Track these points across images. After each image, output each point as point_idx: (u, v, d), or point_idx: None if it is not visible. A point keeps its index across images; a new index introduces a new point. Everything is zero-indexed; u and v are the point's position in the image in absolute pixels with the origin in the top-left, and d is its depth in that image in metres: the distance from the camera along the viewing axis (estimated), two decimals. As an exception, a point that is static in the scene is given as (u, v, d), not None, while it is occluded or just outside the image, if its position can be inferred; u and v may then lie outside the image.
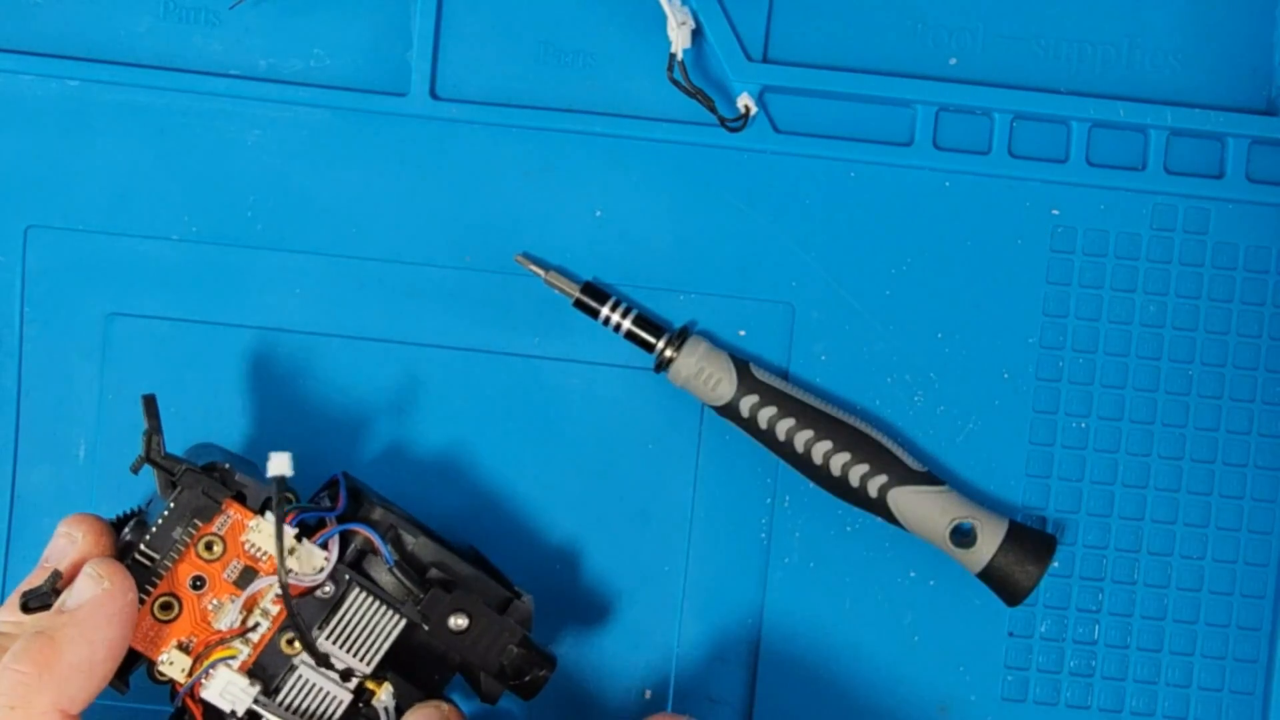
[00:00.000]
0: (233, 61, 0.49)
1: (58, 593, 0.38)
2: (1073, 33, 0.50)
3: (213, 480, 0.40)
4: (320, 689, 0.41)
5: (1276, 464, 0.50)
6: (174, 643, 0.40)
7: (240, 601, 0.40)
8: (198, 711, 0.40)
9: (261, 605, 0.41)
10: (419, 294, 0.49)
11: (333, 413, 0.49)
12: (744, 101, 0.48)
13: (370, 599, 0.41)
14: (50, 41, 0.49)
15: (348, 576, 0.41)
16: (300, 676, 0.41)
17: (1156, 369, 0.50)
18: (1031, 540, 0.47)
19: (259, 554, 0.41)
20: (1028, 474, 0.50)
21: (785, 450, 0.48)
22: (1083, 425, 0.50)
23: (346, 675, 0.41)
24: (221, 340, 0.49)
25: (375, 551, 0.41)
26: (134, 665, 0.40)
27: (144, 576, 0.40)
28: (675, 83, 0.47)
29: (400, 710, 0.41)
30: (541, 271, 0.48)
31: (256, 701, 0.40)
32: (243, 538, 0.40)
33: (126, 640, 0.38)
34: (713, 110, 0.47)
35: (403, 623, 0.41)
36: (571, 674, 0.49)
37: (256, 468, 0.43)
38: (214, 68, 0.49)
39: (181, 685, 0.40)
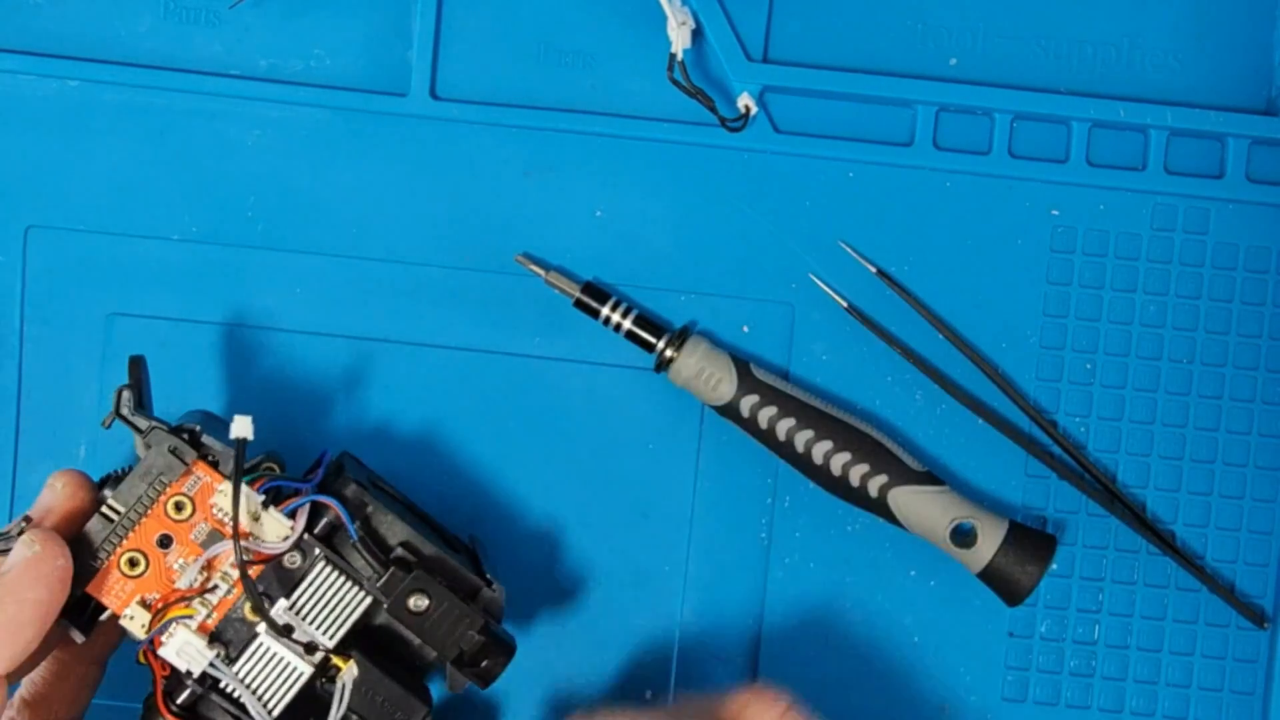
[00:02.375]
0: (233, 61, 0.49)
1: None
2: (1073, 33, 0.50)
3: (181, 440, 0.40)
4: (280, 659, 0.41)
5: (1276, 464, 0.50)
6: (138, 598, 0.40)
7: (200, 561, 0.40)
8: (157, 668, 0.41)
9: (223, 569, 0.41)
10: (419, 294, 0.49)
11: (333, 412, 0.49)
12: (744, 101, 0.48)
13: (334, 572, 0.41)
14: (51, 41, 0.49)
15: (317, 550, 0.41)
16: (261, 645, 0.41)
17: (1157, 369, 0.50)
18: (1032, 540, 0.47)
19: (225, 518, 0.41)
20: (1028, 474, 0.50)
21: (786, 450, 0.48)
22: (1083, 425, 0.50)
23: (310, 649, 0.41)
24: (222, 340, 0.49)
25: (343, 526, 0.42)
26: (99, 614, 0.41)
27: (110, 530, 0.40)
28: (675, 83, 0.47)
29: (361, 690, 0.41)
30: (542, 271, 0.48)
31: (213, 665, 0.40)
32: (210, 500, 0.41)
33: (56, 603, 0.38)
34: (713, 110, 0.47)
35: (366, 599, 0.41)
36: (572, 674, 0.49)
37: (228, 424, 0.43)
38: (214, 68, 0.49)
39: (141, 640, 0.40)
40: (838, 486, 0.48)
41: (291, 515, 0.41)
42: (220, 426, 0.43)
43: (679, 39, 0.47)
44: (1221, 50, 0.50)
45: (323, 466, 0.42)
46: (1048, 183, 0.49)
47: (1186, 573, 0.49)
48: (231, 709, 0.41)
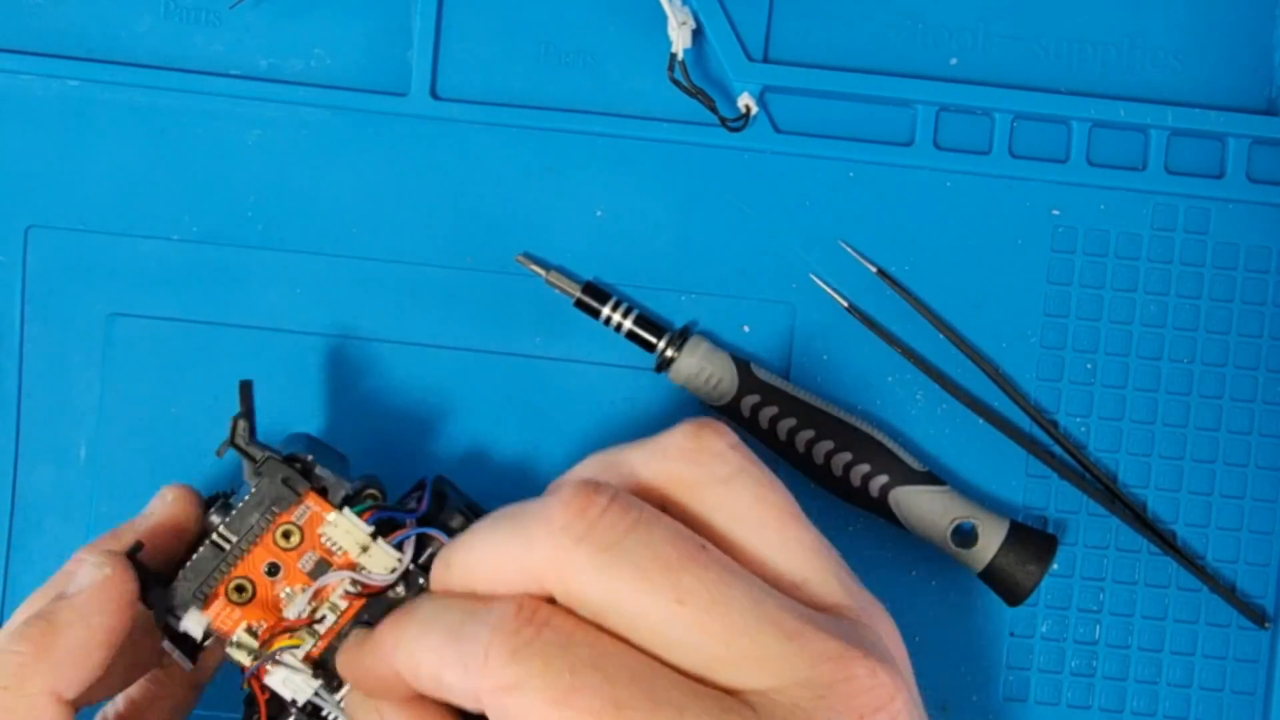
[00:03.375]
0: (233, 61, 0.49)
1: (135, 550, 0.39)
2: (1073, 33, 0.50)
3: (294, 470, 0.40)
4: None
5: (1277, 464, 0.50)
6: (244, 626, 0.40)
7: (310, 592, 0.40)
8: (261, 698, 0.40)
9: (331, 600, 0.41)
10: (419, 294, 0.49)
11: (333, 413, 0.49)
12: (744, 101, 0.48)
13: None
14: (51, 41, 0.49)
15: (421, 580, 0.41)
16: None
17: (1157, 369, 0.50)
18: (1033, 540, 0.47)
19: (334, 548, 0.41)
20: (1028, 474, 0.50)
21: (786, 450, 0.48)
22: (1083, 425, 0.50)
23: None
24: (222, 340, 0.49)
25: None
26: (205, 641, 0.40)
27: (220, 559, 0.40)
28: (676, 83, 0.47)
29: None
30: (542, 271, 0.48)
31: (318, 694, 0.40)
32: (319, 530, 0.41)
33: (124, 629, 0.38)
34: (713, 110, 0.47)
35: None
36: (572, 674, 0.49)
37: (345, 461, 0.43)
38: (214, 68, 0.49)
39: (247, 668, 0.40)
40: (838, 487, 0.48)
41: (399, 546, 0.41)
42: (328, 453, 0.43)
43: (679, 39, 0.47)
44: (1222, 50, 0.50)
45: (426, 494, 0.42)
46: (1048, 182, 0.49)
47: (1187, 573, 0.49)
48: None
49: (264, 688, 0.40)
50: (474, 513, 0.42)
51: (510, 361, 0.49)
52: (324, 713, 0.40)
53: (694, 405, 0.49)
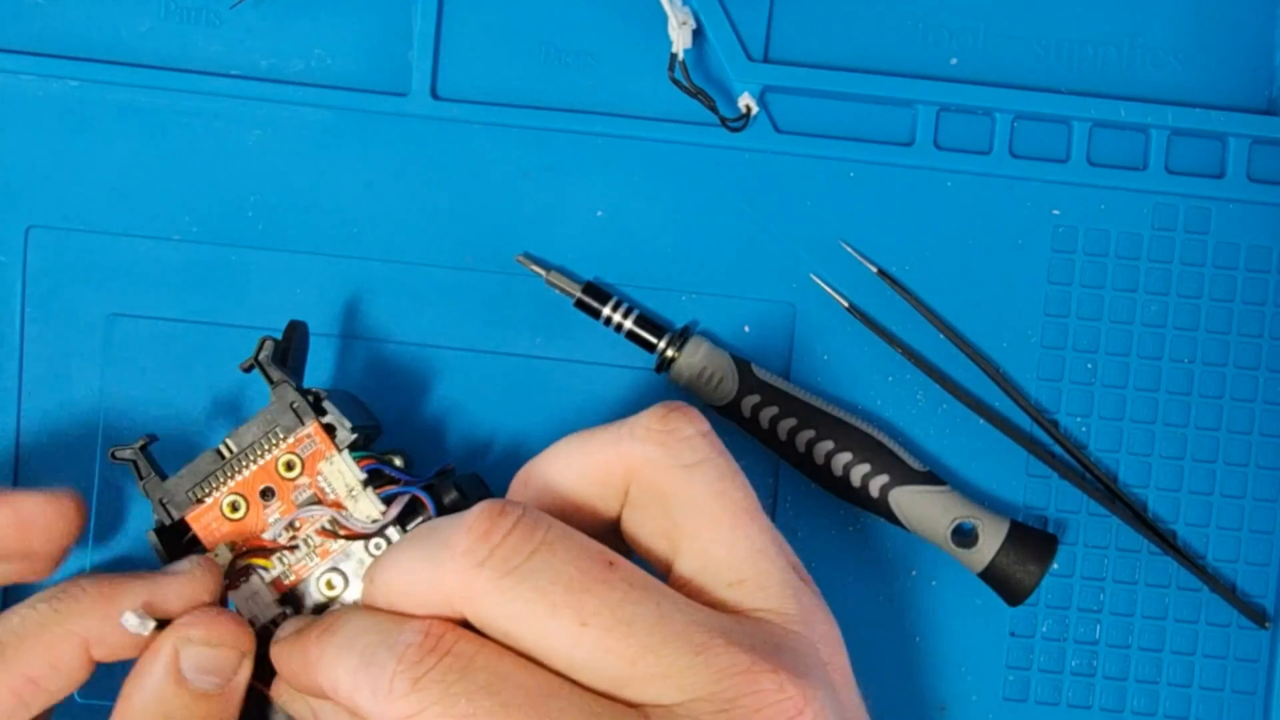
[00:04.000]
0: (234, 62, 0.49)
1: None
2: (1073, 32, 0.50)
3: (305, 400, 0.41)
4: None
5: (1277, 463, 0.50)
6: (226, 544, 0.41)
7: (288, 520, 0.41)
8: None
9: (307, 533, 0.41)
10: (420, 294, 0.49)
11: (334, 413, 0.49)
12: (745, 101, 0.48)
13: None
14: (51, 42, 0.49)
15: (399, 539, 0.41)
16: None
17: (1158, 369, 0.50)
18: (1033, 540, 0.47)
19: (327, 489, 0.41)
20: (1029, 473, 0.50)
21: (787, 450, 0.48)
22: (1084, 425, 0.50)
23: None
24: (222, 340, 0.49)
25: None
26: (192, 548, 0.41)
27: (219, 466, 0.41)
28: (676, 83, 0.47)
29: None
30: (543, 271, 0.48)
31: (274, 622, 0.40)
32: (318, 465, 0.41)
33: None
34: (714, 110, 0.47)
35: None
36: (573, 674, 0.49)
37: (375, 425, 0.44)
38: (215, 68, 0.49)
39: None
40: (839, 487, 0.48)
41: (388, 502, 0.41)
42: (358, 409, 0.43)
43: (680, 39, 0.47)
44: (1222, 50, 0.50)
45: (432, 473, 0.42)
46: (1048, 182, 0.49)
47: (1188, 572, 0.49)
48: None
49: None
50: (478, 496, 0.43)
51: (510, 361, 0.49)
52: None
53: (695, 405, 0.49)
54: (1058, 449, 0.50)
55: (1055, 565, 0.49)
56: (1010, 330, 0.50)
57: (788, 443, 0.47)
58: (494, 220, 0.49)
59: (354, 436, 0.41)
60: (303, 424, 0.41)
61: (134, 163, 0.49)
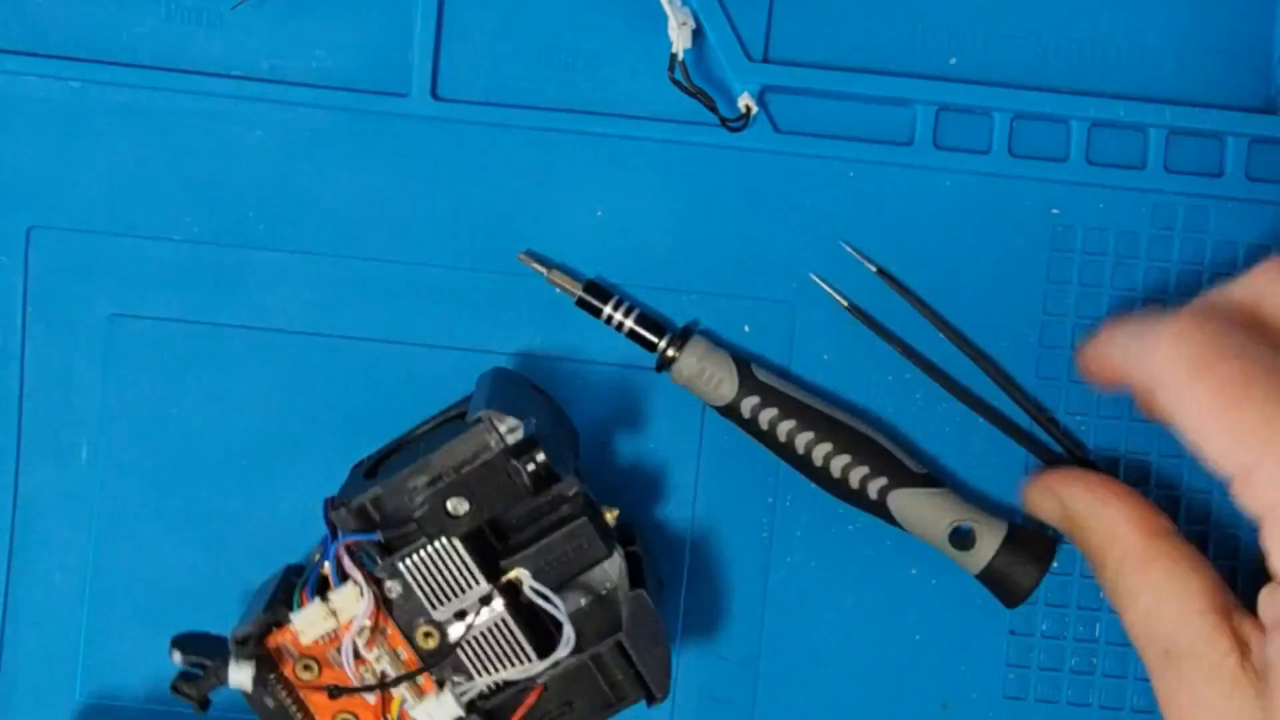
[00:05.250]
0: (234, 62, 0.49)
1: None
2: (1072, 32, 0.50)
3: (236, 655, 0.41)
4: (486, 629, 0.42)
5: (1276, 462, 0.50)
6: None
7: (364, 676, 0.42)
8: None
9: (374, 663, 0.42)
10: (421, 294, 0.49)
11: (334, 413, 0.49)
12: (745, 101, 0.48)
13: (425, 552, 0.41)
14: (52, 42, 0.49)
15: (393, 569, 0.41)
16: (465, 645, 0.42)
17: (1157, 367, 0.50)
18: (1031, 542, 0.47)
19: (326, 641, 0.42)
20: (1029, 473, 0.50)
21: (786, 451, 0.48)
22: (1084, 424, 0.50)
23: (486, 600, 0.42)
24: (223, 340, 0.49)
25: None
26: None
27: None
28: (676, 83, 0.47)
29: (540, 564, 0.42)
30: (544, 270, 0.48)
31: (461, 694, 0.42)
32: (308, 644, 0.42)
33: None
34: (714, 110, 0.48)
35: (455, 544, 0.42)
36: (574, 673, 0.49)
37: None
38: (215, 68, 0.49)
39: None
40: (838, 488, 0.48)
41: (343, 579, 0.41)
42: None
43: (679, 39, 0.47)
44: (1221, 48, 0.50)
45: (329, 539, 0.42)
46: (1047, 181, 0.49)
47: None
48: None
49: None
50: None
51: (510, 361, 0.49)
52: None
53: (694, 405, 0.49)
54: (1058, 448, 0.50)
55: (1055, 564, 0.49)
56: (1009, 329, 0.50)
57: (787, 444, 0.47)
58: (494, 220, 0.49)
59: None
60: (270, 663, 0.42)
61: (135, 163, 0.49)
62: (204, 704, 0.42)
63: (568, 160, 0.49)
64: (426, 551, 0.41)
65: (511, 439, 0.41)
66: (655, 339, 0.48)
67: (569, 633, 0.41)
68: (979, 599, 0.49)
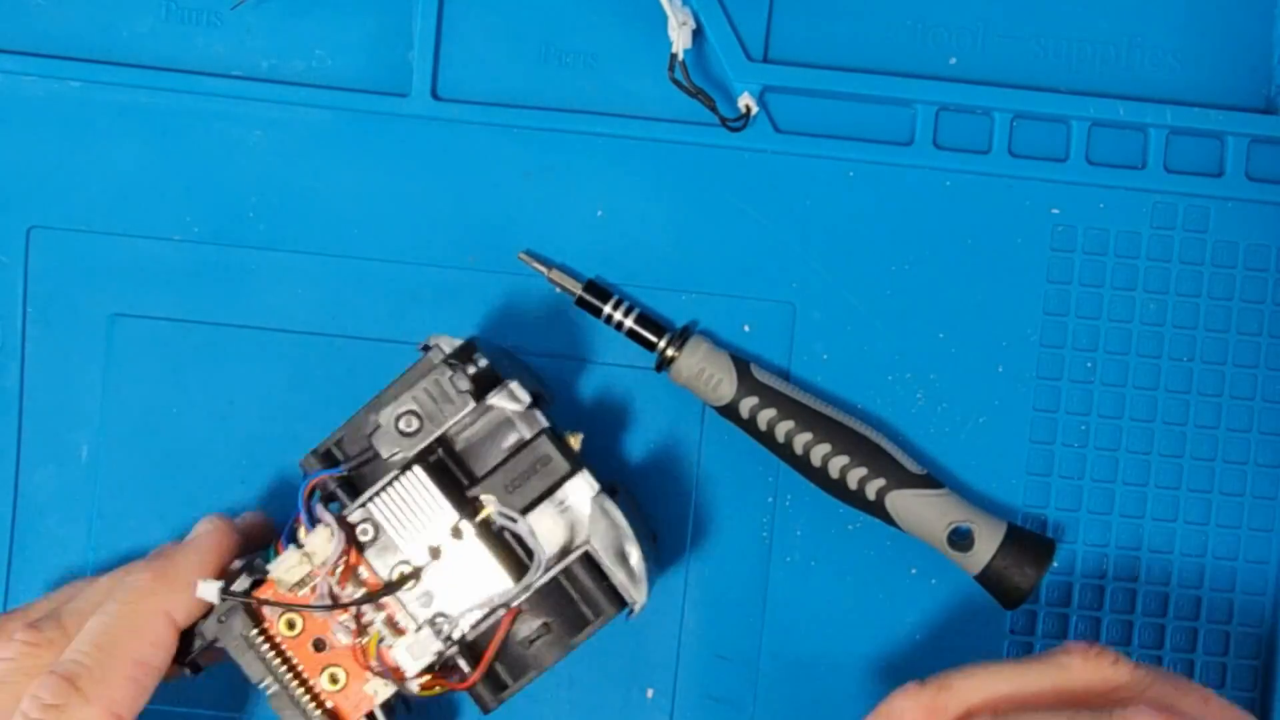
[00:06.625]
0: (235, 62, 0.49)
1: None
2: (1072, 32, 0.50)
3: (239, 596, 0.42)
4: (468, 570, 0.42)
5: (1277, 461, 0.50)
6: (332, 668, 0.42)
7: (343, 623, 0.42)
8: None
9: (350, 598, 0.42)
10: (420, 294, 0.49)
11: (335, 412, 0.49)
12: (745, 101, 0.48)
13: (393, 489, 0.42)
14: (53, 43, 0.49)
15: (362, 510, 0.42)
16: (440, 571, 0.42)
17: (1157, 367, 0.50)
18: (1030, 544, 0.47)
19: (309, 593, 0.42)
20: (1028, 472, 0.50)
21: (785, 452, 0.48)
22: (1083, 423, 0.50)
23: (456, 533, 0.42)
24: (224, 340, 0.49)
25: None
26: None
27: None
28: (676, 83, 0.47)
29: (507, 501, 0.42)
30: (545, 269, 0.48)
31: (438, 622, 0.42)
32: (287, 592, 0.42)
33: (222, 568, 0.43)
34: (714, 110, 0.48)
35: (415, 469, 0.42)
36: (573, 672, 0.49)
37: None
38: (216, 69, 0.49)
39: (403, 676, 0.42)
40: (836, 489, 0.48)
41: (314, 523, 0.42)
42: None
43: (680, 39, 0.47)
44: (1221, 49, 0.50)
45: (298, 510, 0.43)
46: (1047, 181, 0.49)
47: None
48: None
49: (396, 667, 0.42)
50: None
51: (511, 361, 0.49)
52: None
53: (694, 405, 0.49)
54: (1057, 447, 0.50)
55: (1054, 564, 0.49)
56: (1010, 329, 0.50)
57: (786, 444, 0.47)
58: (494, 220, 0.49)
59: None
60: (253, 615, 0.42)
61: (135, 163, 0.49)
62: (195, 668, 0.43)
63: (568, 160, 0.49)
64: (394, 489, 0.42)
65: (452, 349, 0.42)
66: (655, 339, 0.48)
67: (539, 551, 0.42)
68: (979, 599, 0.49)
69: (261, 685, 0.42)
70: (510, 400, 0.42)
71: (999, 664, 0.42)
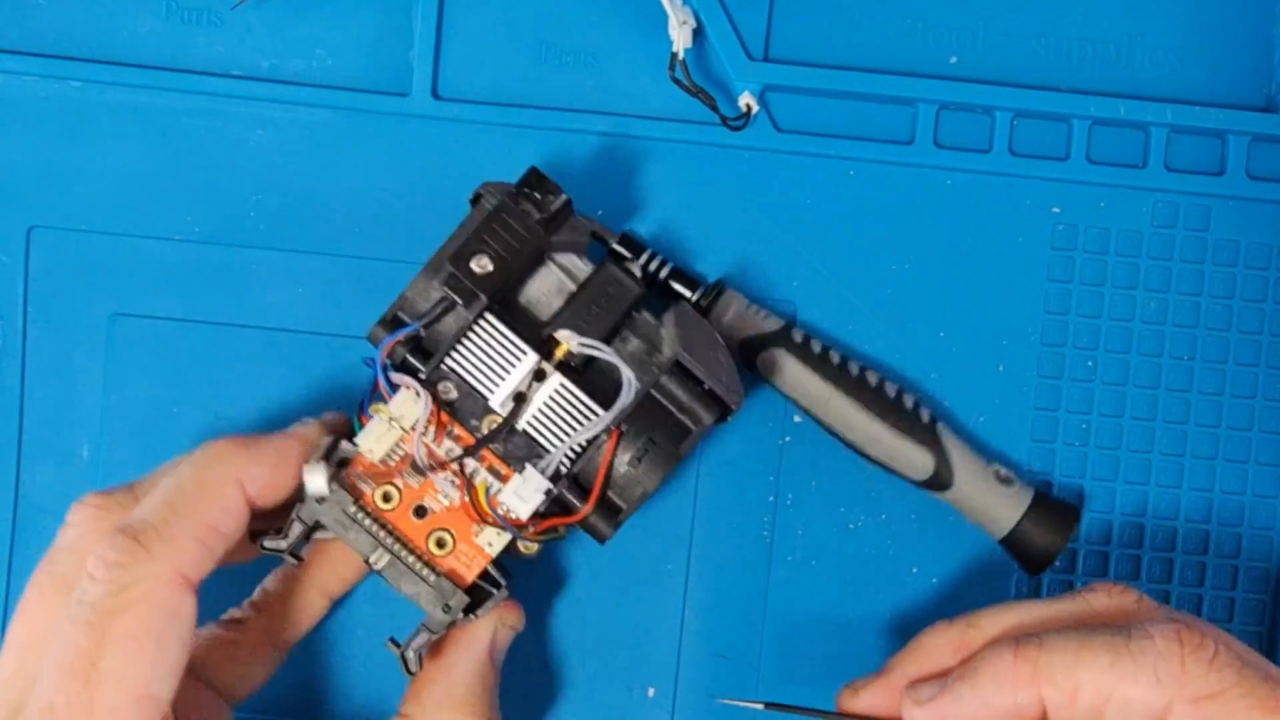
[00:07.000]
0: (235, 62, 0.49)
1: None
2: (1073, 31, 0.50)
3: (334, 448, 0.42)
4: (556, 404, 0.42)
5: (1277, 460, 0.50)
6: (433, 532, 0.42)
7: (448, 479, 0.42)
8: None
9: (445, 457, 0.42)
10: (421, 293, 0.49)
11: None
12: (745, 100, 0.48)
13: (466, 341, 0.42)
14: (53, 43, 0.49)
15: (440, 370, 0.42)
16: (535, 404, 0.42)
17: (1158, 366, 0.50)
18: (1056, 510, 0.47)
19: (399, 463, 0.42)
20: (1030, 470, 0.50)
21: (834, 376, 0.47)
22: (1084, 422, 0.50)
23: (540, 375, 0.42)
24: (224, 340, 0.49)
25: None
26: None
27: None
28: (677, 82, 0.47)
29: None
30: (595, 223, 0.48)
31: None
32: (378, 463, 0.42)
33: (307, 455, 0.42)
34: (714, 109, 0.48)
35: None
36: (574, 671, 0.49)
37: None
38: (216, 68, 0.49)
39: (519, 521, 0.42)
40: (887, 411, 0.47)
41: (393, 389, 0.42)
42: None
43: (680, 38, 0.47)
44: (1221, 47, 0.50)
45: (377, 367, 0.42)
46: (1048, 180, 0.49)
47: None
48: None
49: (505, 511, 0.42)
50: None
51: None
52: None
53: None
54: (1058, 446, 0.50)
55: (1063, 554, 0.49)
56: (1010, 328, 0.50)
57: (841, 366, 0.47)
58: (495, 220, 0.49)
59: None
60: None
61: (135, 163, 0.49)
62: (294, 553, 0.42)
63: (567, 160, 0.49)
64: (470, 339, 0.42)
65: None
66: (689, 292, 0.48)
67: (627, 373, 0.42)
68: (981, 599, 0.49)
69: (371, 560, 0.41)
70: (573, 233, 0.42)
71: (1025, 601, 0.43)
